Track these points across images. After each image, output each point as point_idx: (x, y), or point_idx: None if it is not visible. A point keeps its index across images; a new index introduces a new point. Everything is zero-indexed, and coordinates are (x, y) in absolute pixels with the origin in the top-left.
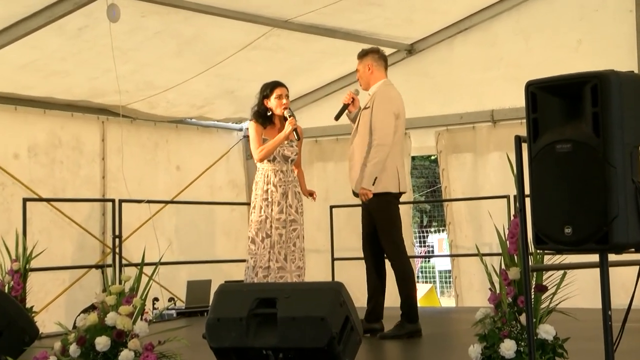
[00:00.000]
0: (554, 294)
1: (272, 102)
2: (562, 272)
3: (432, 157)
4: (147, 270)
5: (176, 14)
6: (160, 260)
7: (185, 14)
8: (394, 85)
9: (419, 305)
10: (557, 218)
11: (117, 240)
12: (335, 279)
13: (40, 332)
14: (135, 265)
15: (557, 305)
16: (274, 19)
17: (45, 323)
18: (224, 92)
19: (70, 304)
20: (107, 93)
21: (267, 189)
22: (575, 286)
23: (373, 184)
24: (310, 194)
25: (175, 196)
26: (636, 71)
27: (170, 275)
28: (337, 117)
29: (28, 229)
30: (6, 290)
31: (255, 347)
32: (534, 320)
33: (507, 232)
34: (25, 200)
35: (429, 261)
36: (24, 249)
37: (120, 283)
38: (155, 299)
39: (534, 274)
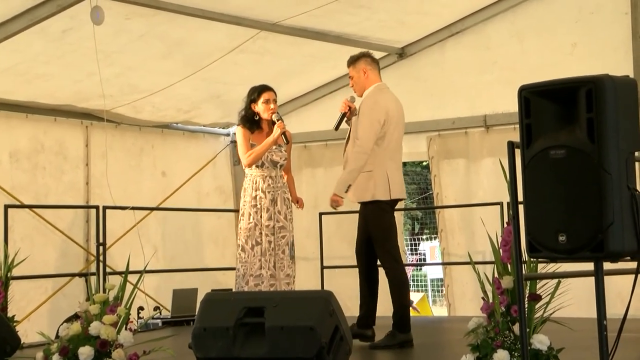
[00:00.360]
0: (548, 303)
1: (259, 107)
2: (556, 280)
3: (424, 163)
4: (132, 278)
5: (161, 17)
6: (145, 268)
7: (170, 16)
8: (388, 88)
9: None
10: (551, 225)
11: (101, 247)
12: (325, 288)
13: (22, 342)
14: (120, 273)
15: (551, 314)
16: (261, 22)
17: (28, 333)
18: (210, 97)
19: (53, 313)
20: (91, 97)
21: (256, 195)
22: (569, 295)
23: (346, 191)
24: (297, 201)
25: (161, 203)
26: (632, 75)
27: (155, 283)
28: (337, 127)
29: (10, 236)
30: None
31: (243, 357)
32: (528, 330)
33: (500, 239)
34: (7, 206)
35: (420, 269)
36: (6, 256)
37: (104, 292)
38: (140, 308)
39: (528, 282)
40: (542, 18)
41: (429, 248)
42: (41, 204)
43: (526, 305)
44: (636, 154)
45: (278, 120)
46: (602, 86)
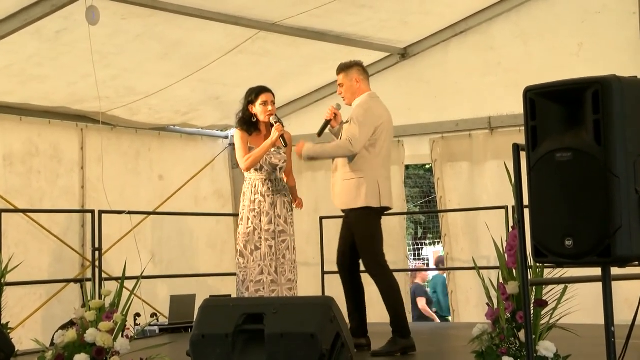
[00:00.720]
0: (555, 309)
1: (257, 109)
2: (562, 286)
3: (427, 166)
4: (129, 284)
5: (158, 17)
6: (142, 274)
7: (167, 17)
8: (379, 98)
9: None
10: (558, 230)
11: (96, 253)
12: (326, 294)
13: (16, 350)
14: (116, 279)
15: (557, 321)
16: (260, 22)
17: (22, 340)
18: (208, 98)
19: (47, 320)
20: (87, 99)
21: (255, 199)
22: (576, 301)
23: (311, 159)
24: (295, 200)
25: (157, 207)
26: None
27: (152, 289)
28: (320, 134)
29: (3, 242)
30: None
31: None
32: (534, 336)
33: (505, 244)
34: (0, 211)
35: None
36: None
37: (100, 298)
38: (137, 315)
39: (534, 288)
40: (546, 18)
41: (432, 253)
42: (36, 209)
43: (532, 312)
44: None
45: (276, 123)
46: (609, 87)
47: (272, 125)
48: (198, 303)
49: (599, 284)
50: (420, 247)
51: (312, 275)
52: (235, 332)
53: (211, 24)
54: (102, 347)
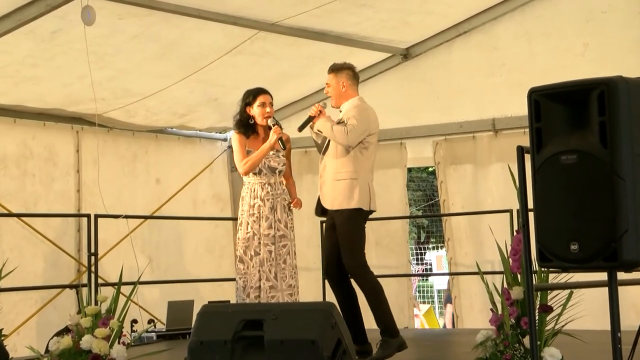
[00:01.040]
0: (560, 314)
1: (254, 110)
2: (568, 291)
3: (430, 169)
4: (125, 290)
5: (155, 17)
6: (139, 279)
7: (165, 17)
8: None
9: (419, 326)
10: (563, 234)
11: (92, 258)
12: (327, 299)
13: (10, 357)
14: (113, 284)
15: (563, 326)
16: (259, 22)
17: (17, 347)
18: (207, 100)
19: (42, 326)
20: (82, 101)
21: (254, 204)
22: (582, 306)
23: (318, 131)
24: (294, 200)
25: (155, 211)
26: None
27: (149, 295)
28: (301, 129)
29: None
30: None
31: None
32: (539, 342)
33: (509, 248)
34: None
35: (427, 280)
36: None
37: (96, 304)
38: (134, 321)
39: (538, 293)
40: (551, 18)
41: (436, 257)
42: (30, 213)
43: (537, 317)
44: None
45: (274, 125)
46: (615, 88)
47: (270, 128)
48: (196, 309)
49: (605, 289)
50: (423, 251)
51: (313, 280)
52: (234, 339)
53: (209, 24)
54: (98, 354)
